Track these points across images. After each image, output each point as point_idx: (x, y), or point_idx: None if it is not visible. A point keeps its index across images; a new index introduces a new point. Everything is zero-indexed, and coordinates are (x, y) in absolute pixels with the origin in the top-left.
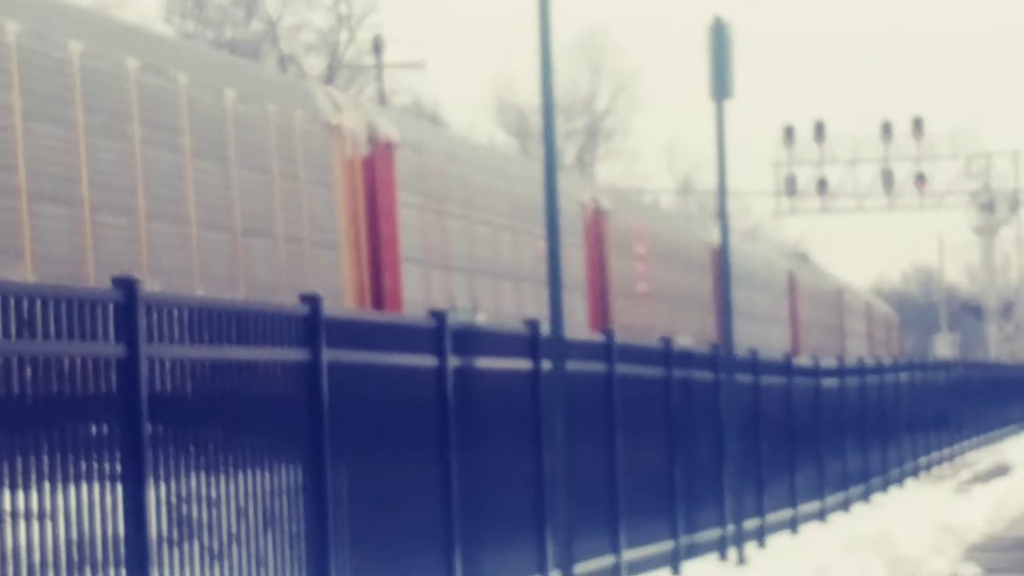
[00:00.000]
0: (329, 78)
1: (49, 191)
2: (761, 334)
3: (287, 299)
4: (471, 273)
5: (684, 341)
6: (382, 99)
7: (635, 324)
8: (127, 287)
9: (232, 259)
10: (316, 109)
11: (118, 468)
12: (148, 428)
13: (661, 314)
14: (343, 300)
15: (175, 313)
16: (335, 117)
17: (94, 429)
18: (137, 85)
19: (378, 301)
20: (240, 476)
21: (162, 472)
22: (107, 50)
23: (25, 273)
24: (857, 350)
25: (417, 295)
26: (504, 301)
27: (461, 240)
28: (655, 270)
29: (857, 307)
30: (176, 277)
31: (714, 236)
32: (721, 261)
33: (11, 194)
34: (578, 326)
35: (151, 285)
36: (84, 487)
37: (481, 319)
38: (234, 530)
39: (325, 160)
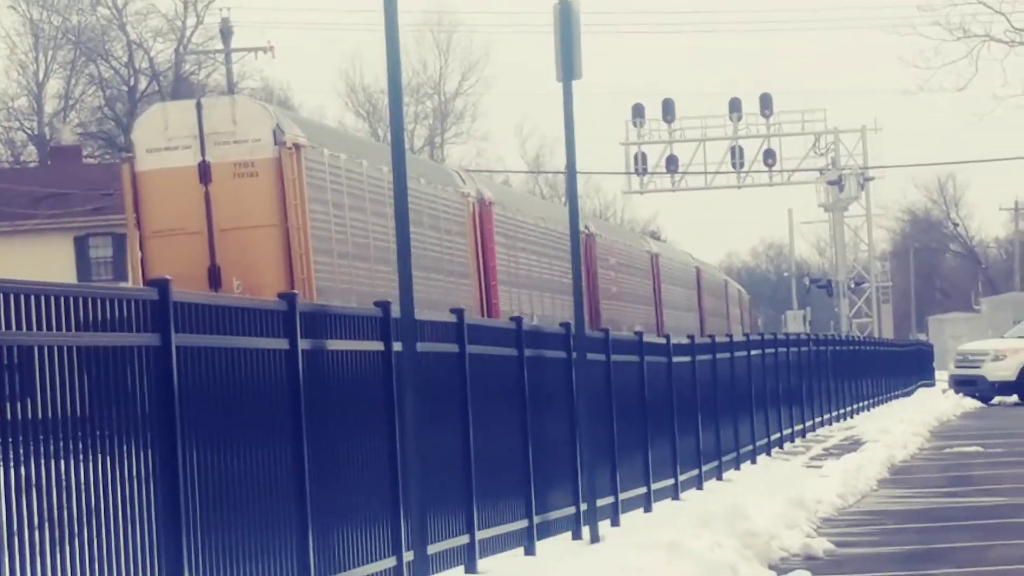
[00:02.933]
0: (177, 64)
1: (358, 253)
2: (681, 321)
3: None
4: (529, 288)
5: (636, 329)
6: (231, 85)
7: (612, 319)
8: None
9: (426, 289)
10: (455, 184)
11: None
12: None
13: (626, 310)
14: (473, 313)
15: (22, 299)
16: (464, 188)
17: None
18: (387, 183)
19: (487, 313)
20: (92, 461)
21: (11, 458)
22: (374, 163)
23: (351, 304)
24: (736, 330)
25: (506, 307)
26: (546, 308)
27: (523, 266)
28: (621, 276)
29: (733, 294)
30: (420, 306)
31: (652, 246)
32: (656, 265)
33: (346, 257)
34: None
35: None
36: None
37: (535, 323)
38: (86, 515)
39: (462, 218)
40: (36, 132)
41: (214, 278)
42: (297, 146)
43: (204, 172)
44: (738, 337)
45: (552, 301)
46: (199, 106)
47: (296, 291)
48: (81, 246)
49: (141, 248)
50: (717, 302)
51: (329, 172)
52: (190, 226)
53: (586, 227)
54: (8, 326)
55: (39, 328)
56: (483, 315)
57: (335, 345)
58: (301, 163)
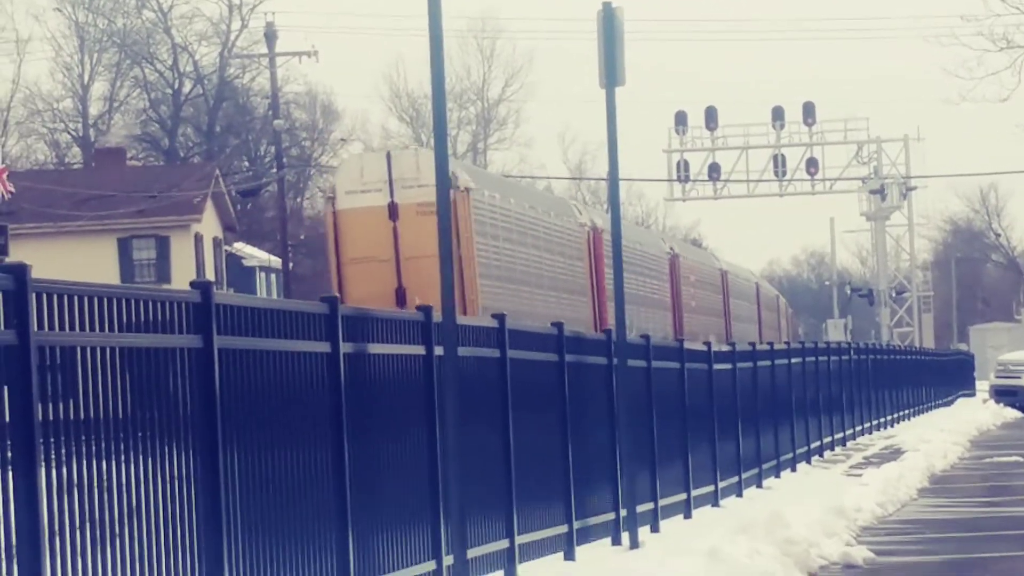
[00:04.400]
0: (221, 68)
1: (509, 276)
2: (745, 332)
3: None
4: (634, 304)
5: (709, 339)
6: (275, 89)
7: (692, 330)
8: (17, 273)
9: (558, 306)
10: (574, 215)
11: (9, 455)
12: (39, 414)
13: (703, 322)
14: (589, 327)
15: (66, 300)
16: (581, 218)
17: None
18: (531, 219)
19: (599, 326)
20: (134, 462)
21: (54, 458)
22: (519, 201)
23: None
24: (749, 333)
25: (613, 321)
26: (642, 319)
27: (626, 286)
28: (699, 292)
29: (782, 307)
30: (544, 319)
31: (722, 264)
32: (725, 281)
33: (500, 280)
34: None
35: (531, 323)
36: None
37: (633, 335)
38: (127, 516)
39: (579, 244)
40: (81, 134)
41: (400, 298)
42: (467, 189)
43: (393, 211)
44: (780, 345)
45: (647, 313)
46: (389, 156)
47: (466, 309)
48: (124, 248)
49: (339, 272)
50: (770, 314)
51: (487, 210)
52: (381, 255)
53: (671, 248)
54: (51, 326)
55: (82, 328)
56: (596, 328)
57: (377, 349)
58: (469, 204)
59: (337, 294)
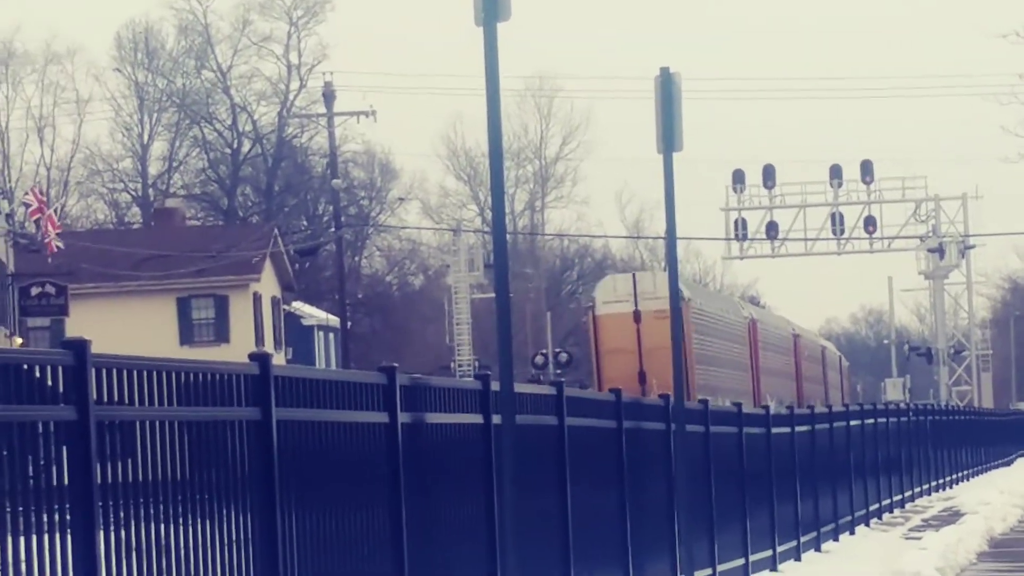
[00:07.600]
0: (280, 127)
1: (714, 362)
2: (834, 397)
3: (748, 400)
4: (771, 376)
5: (814, 404)
6: (333, 148)
7: (809, 396)
8: (77, 349)
9: (732, 381)
10: (739, 310)
11: (68, 518)
12: (98, 479)
13: (812, 389)
14: (746, 397)
15: (125, 374)
16: (744, 312)
17: (47, 481)
18: (719, 316)
19: (756, 396)
20: (192, 527)
21: (112, 522)
22: (715, 303)
23: (721, 400)
24: (836, 398)
25: (767, 391)
26: (780, 388)
27: (770, 361)
28: (810, 364)
29: (844, 366)
30: (727, 392)
31: (821, 341)
32: (824, 356)
33: (710, 365)
34: (794, 399)
35: (718, 401)
36: (35, 538)
37: (773, 405)
38: None
39: (743, 333)
40: (140, 194)
41: (641, 379)
42: (689, 299)
43: (637, 316)
44: (838, 407)
45: (780, 382)
46: (634, 276)
47: (689, 387)
48: (183, 307)
49: (597, 360)
50: (834, 374)
51: (698, 314)
52: (628, 348)
53: (792, 329)
54: (110, 401)
55: (141, 403)
56: (754, 398)
57: (435, 418)
58: (690, 310)
59: (595, 379)
